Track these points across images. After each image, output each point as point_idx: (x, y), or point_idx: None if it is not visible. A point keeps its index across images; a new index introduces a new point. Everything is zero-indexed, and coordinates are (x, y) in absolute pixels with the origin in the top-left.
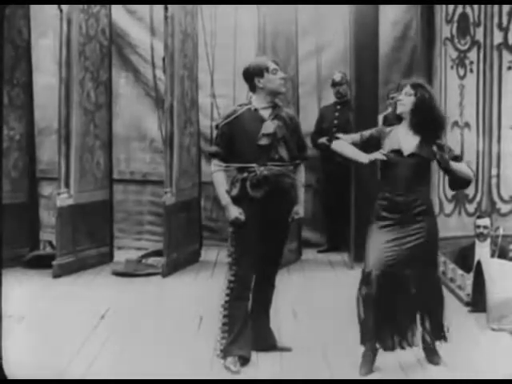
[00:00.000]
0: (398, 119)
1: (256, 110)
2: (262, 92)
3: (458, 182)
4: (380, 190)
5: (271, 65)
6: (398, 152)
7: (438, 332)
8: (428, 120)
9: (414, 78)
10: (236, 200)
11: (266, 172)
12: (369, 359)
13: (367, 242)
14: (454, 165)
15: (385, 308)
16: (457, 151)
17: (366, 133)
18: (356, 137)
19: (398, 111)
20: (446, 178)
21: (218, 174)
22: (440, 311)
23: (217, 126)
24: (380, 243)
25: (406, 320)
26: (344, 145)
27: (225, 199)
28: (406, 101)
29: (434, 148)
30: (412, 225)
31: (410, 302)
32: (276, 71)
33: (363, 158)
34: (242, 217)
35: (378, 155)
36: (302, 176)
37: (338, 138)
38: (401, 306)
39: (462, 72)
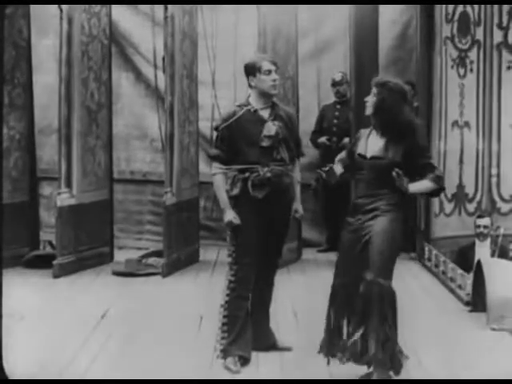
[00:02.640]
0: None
1: (256, 110)
2: (255, 91)
3: (428, 194)
4: None
5: (265, 65)
6: (363, 156)
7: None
8: (388, 122)
9: (380, 76)
10: (236, 199)
11: (269, 174)
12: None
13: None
14: (412, 188)
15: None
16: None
17: (349, 144)
18: (343, 153)
19: (366, 113)
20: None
21: (218, 177)
22: (383, 332)
23: (216, 128)
24: (344, 251)
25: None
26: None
27: (223, 202)
28: (370, 102)
29: (394, 174)
30: (365, 228)
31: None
32: (269, 72)
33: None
34: (237, 221)
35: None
36: (297, 173)
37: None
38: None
39: (462, 71)
